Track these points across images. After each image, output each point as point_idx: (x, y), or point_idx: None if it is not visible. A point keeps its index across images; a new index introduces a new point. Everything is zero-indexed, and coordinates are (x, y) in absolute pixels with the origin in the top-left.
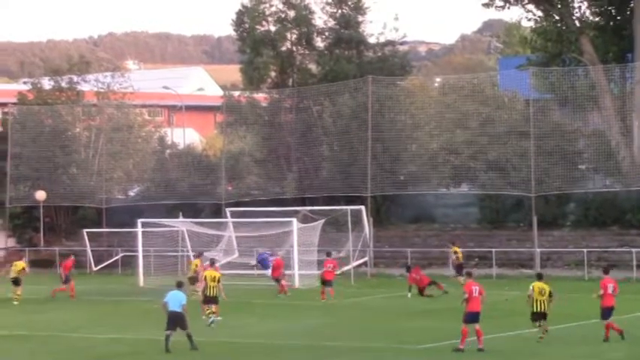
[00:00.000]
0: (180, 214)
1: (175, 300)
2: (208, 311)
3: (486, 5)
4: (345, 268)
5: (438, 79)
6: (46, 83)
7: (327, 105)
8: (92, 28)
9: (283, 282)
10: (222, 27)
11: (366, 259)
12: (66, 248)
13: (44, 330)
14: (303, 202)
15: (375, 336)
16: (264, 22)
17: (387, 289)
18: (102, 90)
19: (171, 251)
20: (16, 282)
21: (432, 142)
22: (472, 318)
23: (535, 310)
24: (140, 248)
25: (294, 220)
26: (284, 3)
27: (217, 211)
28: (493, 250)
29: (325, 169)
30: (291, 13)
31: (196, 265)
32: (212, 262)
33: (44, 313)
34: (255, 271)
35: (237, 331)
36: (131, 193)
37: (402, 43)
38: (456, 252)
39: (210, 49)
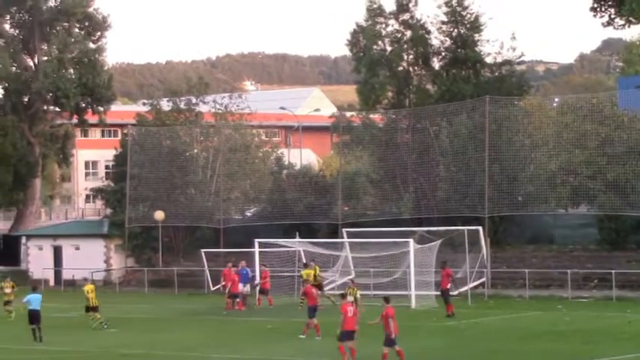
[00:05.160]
0: (297, 234)
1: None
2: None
3: (606, 24)
4: (463, 289)
5: (556, 99)
6: (165, 104)
7: (444, 125)
8: (210, 50)
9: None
10: (339, 48)
11: (483, 280)
12: (184, 268)
13: (162, 349)
14: (419, 222)
15: (495, 359)
16: (380, 42)
17: (504, 310)
18: (219, 111)
19: (288, 271)
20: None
21: (550, 163)
22: (346, 336)
23: None
24: (257, 268)
25: (411, 240)
26: (400, 23)
27: (334, 232)
28: (613, 271)
29: (442, 190)
30: (408, 33)
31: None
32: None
33: (163, 333)
34: (373, 292)
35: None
36: (248, 214)
37: (519, 63)
38: None
39: (327, 70)
